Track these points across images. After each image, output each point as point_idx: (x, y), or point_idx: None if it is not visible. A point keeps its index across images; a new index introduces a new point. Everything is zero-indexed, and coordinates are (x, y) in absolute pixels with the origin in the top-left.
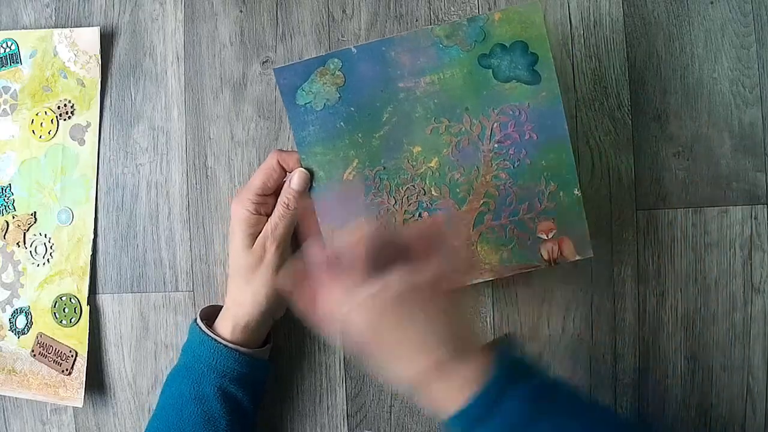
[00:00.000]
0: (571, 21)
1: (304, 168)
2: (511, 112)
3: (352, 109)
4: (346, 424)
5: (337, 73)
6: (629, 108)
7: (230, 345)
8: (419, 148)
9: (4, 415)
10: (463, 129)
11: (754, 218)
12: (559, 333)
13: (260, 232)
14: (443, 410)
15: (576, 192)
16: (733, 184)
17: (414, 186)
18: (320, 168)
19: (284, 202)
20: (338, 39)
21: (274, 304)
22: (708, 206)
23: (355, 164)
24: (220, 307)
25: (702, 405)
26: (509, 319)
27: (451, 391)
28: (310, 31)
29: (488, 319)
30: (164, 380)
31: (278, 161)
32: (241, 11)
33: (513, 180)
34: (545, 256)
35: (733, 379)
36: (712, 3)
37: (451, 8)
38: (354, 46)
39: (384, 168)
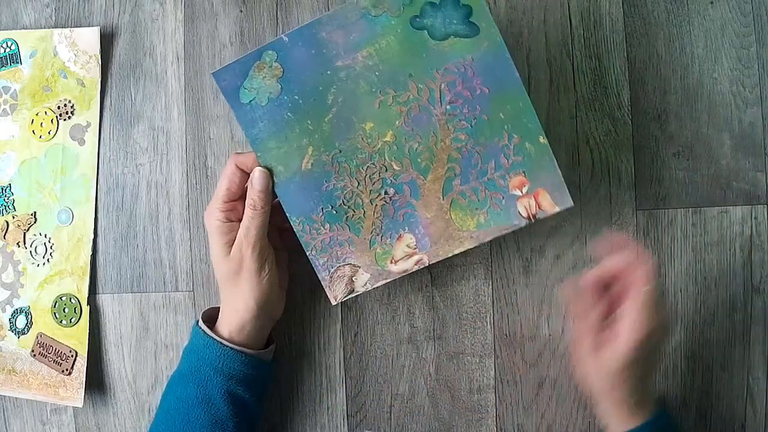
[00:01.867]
0: (571, 21)
1: (263, 166)
2: (456, 70)
3: (296, 97)
4: (346, 424)
5: (274, 64)
6: (629, 108)
7: (236, 347)
8: (371, 124)
9: (4, 415)
10: (411, 96)
11: (754, 218)
12: (559, 333)
13: (235, 239)
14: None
15: (541, 140)
16: (733, 184)
17: (374, 164)
18: (278, 162)
19: (251, 204)
20: None
21: (266, 305)
22: (708, 206)
23: (310, 152)
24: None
25: (702, 405)
26: (509, 319)
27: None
28: None
29: (488, 319)
30: (165, 381)
31: (236, 165)
32: (241, 11)
33: (474, 139)
34: (524, 213)
35: (733, 379)
36: (712, 3)
37: None
38: (285, 35)
39: (340, 151)
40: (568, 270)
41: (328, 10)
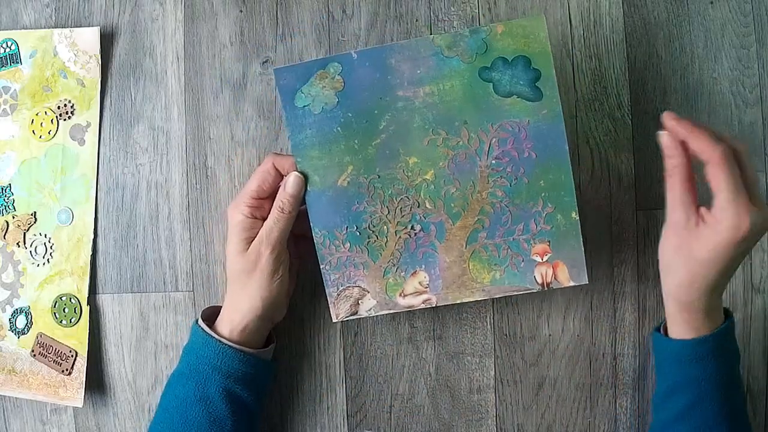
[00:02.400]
0: (571, 21)
1: (300, 172)
2: (510, 129)
3: (350, 114)
4: (346, 424)
5: (337, 77)
6: (629, 108)
7: (234, 345)
8: (415, 159)
9: (4, 415)
10: (461, 142)
11: None
12: (559, 333)
13: (256, 237)
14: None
15: (574, 215)
16: None
17: (408, 197)
18: (315, 172)
19: (279, 206)
20: (338, 39)
21: (271, 307)
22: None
23: (349, 170)
24: (220, 308)
25: None
26: (509, 319)
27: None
28: (310, 31)
29: (488, 319)
30: (165, 381)
31: (273, 164)
32: (241, 11)
33: (509, 198)
34: (539, 280)
35: None
36: (712, 3)
37: (451, 8)
38: (355, 51)
39: (378, 176)
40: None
41: (328, 11)
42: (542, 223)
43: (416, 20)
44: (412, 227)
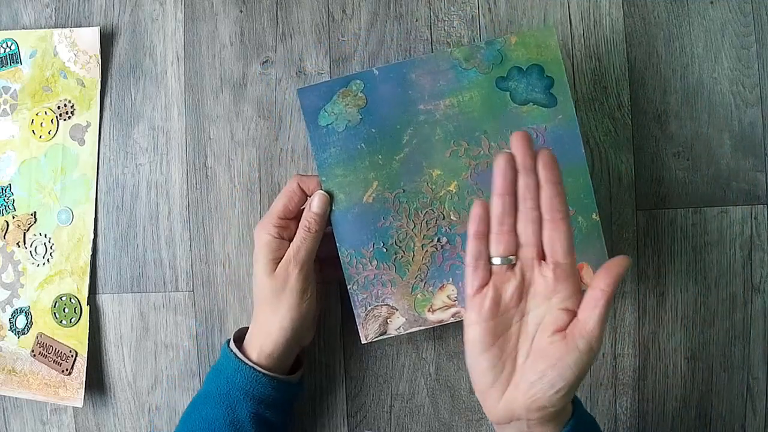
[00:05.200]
0: (571, 21)
1: (325, 191)
2: None
3: (373, 130)
4: (346, 424)
5: (359, 94)
6: (629, 108)
7: (267, 372)
8: (439, 172)
9: (4, 415)
10: (482, 152)
11: (754, 218)
12: None
13: (283, 258)
14: None
15: (594, 217)
16: (732, 184)
17: (433, 210)
18: (340, 190)
19: (305, 226)
20: (338, 39)
21: (300, 330)
22: (708, 206)
23: (375, 186)
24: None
25: (702, 405)
26: None
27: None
28: (310, 31)
29: None
30: (165, 381)
31: (299, 184)
32: (241, 11)
33: None
34: None
35: (733, 379)
36: (712, 3)
37: (451, 8)
38: (376, 68)
39: (404, 191)
40: None
41: (328, 11)
42: None
43: (416, 20)
44: (438, 240)
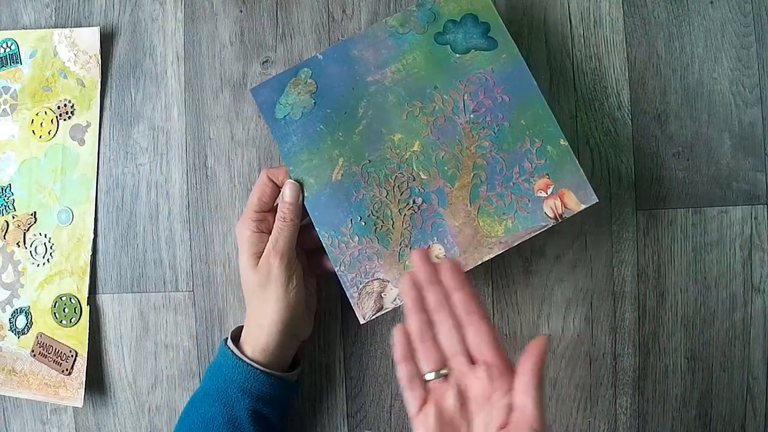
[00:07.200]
0: (571, 21)
1: (294, 179)
2: (477, 81)
3: (329, 111)
4: (346, 424)
5: (309, 80)
6: (629, 108)
7: (265, 369)
8: (400, 135)
9: (4, 415)
10: (437, 107)
11: (754, 218)
12: (559, 333)
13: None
14: None
15: (562, 142)
16: (733, 184)
17: (402, 173)
18: (309, 175)
19: (281, 216)
20: (338, 39)
21: (292, 321)
22: (708, 206)
23: (341, 163)
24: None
25: (702, 405)
26: (509, 319)
27: None
28: (310, 31)
29: None
30: (165, 381)
31: (268, 176)
32: (241, 11)
33: (498, 146)
34: (550, 214)
35: (733, 379)
36: (712, 3)
37: None
38: (319, 53)
39: (369, 161)
40: (568, 270)
41: (328, 11)
42: (535, 159)
43: None
44: (414, 201)
